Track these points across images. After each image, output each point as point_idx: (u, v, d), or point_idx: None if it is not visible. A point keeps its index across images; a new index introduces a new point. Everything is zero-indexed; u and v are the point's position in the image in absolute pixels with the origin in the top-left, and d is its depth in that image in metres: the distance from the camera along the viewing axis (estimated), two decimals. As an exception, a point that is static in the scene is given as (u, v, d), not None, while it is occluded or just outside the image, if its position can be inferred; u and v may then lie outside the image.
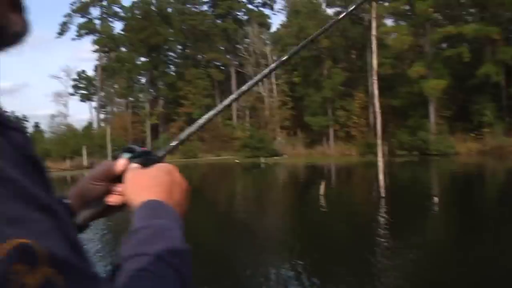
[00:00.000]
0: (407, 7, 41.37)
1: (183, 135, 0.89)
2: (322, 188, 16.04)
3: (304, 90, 46.17)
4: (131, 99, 59.35)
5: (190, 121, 55.48)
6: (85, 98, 66.10)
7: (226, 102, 0.99)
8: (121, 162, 0.75)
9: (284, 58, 1.08)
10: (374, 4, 16.09)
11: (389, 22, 45.00)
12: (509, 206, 14.37)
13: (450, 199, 16.27)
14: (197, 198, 15.58)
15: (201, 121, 0.92)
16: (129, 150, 0.82)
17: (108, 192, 0.75)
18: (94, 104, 65.74)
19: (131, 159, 0.80)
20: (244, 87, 1.03)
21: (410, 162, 33.91)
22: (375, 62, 14.71)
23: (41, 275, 0.36)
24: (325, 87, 42.51)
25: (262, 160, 40.63)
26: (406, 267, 7.90)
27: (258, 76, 1.07)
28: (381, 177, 15.35)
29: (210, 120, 0.97)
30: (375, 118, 17.08)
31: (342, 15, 1.29)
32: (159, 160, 0.79)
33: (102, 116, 64.38)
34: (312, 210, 14.41)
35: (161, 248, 0.55)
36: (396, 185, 20.85)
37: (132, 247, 0.56)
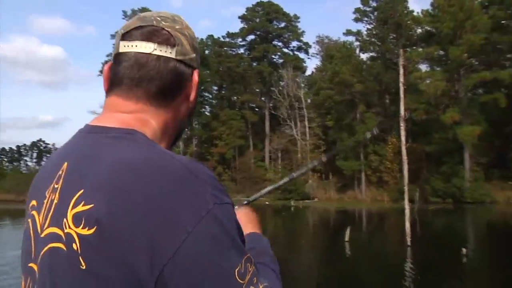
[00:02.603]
0: (441, 53, 41.35)
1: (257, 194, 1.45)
2: (347, 235, 15.90)
3: (337, 134, 46.16)
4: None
5: (223, 160, 56.31)
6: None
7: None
8: None
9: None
10: (401, 52, 16.31)
11: (423, 67, 45.12)
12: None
13: (482, 251, 15.81)
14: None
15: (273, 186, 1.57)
16: None
17: None
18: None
19: None
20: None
21: (444, 210, 33.14)
22: (402, 109, 14.79)
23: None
24: (358, 131, 42.44)
25: (292, 203, 40.49)
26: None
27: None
28: (407, 225, 15.11)
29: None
30: (402, 165, 16.98)
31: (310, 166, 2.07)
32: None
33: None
34: (336, 257, 14.28)
35: (268, 259, 0.95)
36: (426, 234, 20.42)
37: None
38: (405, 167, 15.56)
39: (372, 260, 13.95)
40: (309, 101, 53.21)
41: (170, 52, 0.86)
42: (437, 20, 39.64)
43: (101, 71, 64.10)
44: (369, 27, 48.37)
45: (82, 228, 0.70)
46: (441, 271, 12.09)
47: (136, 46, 0.85)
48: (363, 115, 44.87)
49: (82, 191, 0.73)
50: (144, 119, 0.84)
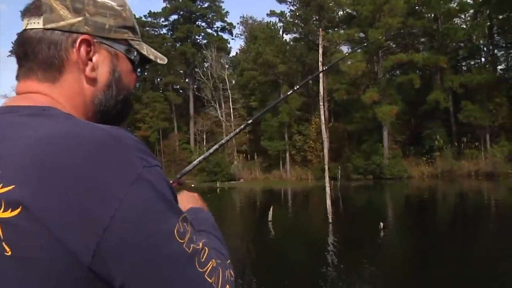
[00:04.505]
0: (361, 35, 42.49)
1: (188, 168, 1.45)
2: (270, 214, 15.95)
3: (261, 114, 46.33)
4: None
5: (147, 144, 54.60)
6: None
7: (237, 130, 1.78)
8: None
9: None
10: (321, 31, 16.43)
11: (345, 49, 46.19)
12: (457, 228, 14.68)
13: (399, 224, 16.48)
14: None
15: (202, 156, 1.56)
16: None
17: None
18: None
19: None
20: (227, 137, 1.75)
21: (364, 186, 34.39)
22: (321, 88, 14.92)
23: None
24: (281, 112, 42.84)
25: (218, 184, 40.37)
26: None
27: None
28: (328, 202, 15.39)
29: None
30: (323, 144, 17.25)
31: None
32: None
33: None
34: (260, 237, 14.27)
35: (209, 227, 0.96)
36: (348, 210, 21.04)
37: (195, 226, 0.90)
38: (325, 146, 15.81)
39: (295, 238, 14.08)
40: (233, 82, 52.96)
41: (38, 23, 0.81)
42: (358, 3, 40.61)
43: (11, 51, 59.95)
44: (292, 8, 48.71)
45: (3, 212, 0.65)
46: (360, 245, 12.43)
47: (22, 27, 0.85)
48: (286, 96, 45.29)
49: None
50: (48, 97, 0.81)
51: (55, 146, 0.67)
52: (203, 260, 0.75)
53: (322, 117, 15.63)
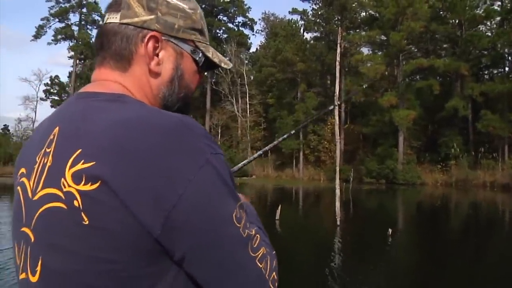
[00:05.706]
0: (383, 37, 42.08)
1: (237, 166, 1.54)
2: (278, 213, 15.82)
3: (277, 112, 46.24)
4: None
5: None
6: (56, 104, 64.53)
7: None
8: None
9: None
10: (340, 30, 16.22)
11: (366, 50, 45.79)
12: (468, 238, 14.42)
13: (409, 230, 16.25)
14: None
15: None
16: None
17: None
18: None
19: None
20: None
21: (376, 190, 34.05)
22: (337, 88, 14.71)
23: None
24: (297, 110, 42.63)
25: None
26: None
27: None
28: (337, 205, 15.21)
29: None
30: (335, 145, 17.05)
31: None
32: None
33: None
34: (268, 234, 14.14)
35: (255, 220, 0.95)
36: (357, 213, 20.82)
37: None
38: (338, 147, 15.62)
39: (300, 238, 13.94)
40: (251, 78, 52.87)
41: (116, 17, 0.89)
42: (381, 5, 40.20)
43: (35, 36, 60.50)
44: (315, 7, 48.44)
45: (84, 185, 0.73)
46: (367, 250, 12.23)
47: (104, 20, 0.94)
48: (303, 94, 45.12)
49: (80, 150, 0.75)
50: (121, 86, 0.88)
51: (132, 130, 0.74)
52: (255, 246, 0.81)
53: (337, 118, 15.43)
